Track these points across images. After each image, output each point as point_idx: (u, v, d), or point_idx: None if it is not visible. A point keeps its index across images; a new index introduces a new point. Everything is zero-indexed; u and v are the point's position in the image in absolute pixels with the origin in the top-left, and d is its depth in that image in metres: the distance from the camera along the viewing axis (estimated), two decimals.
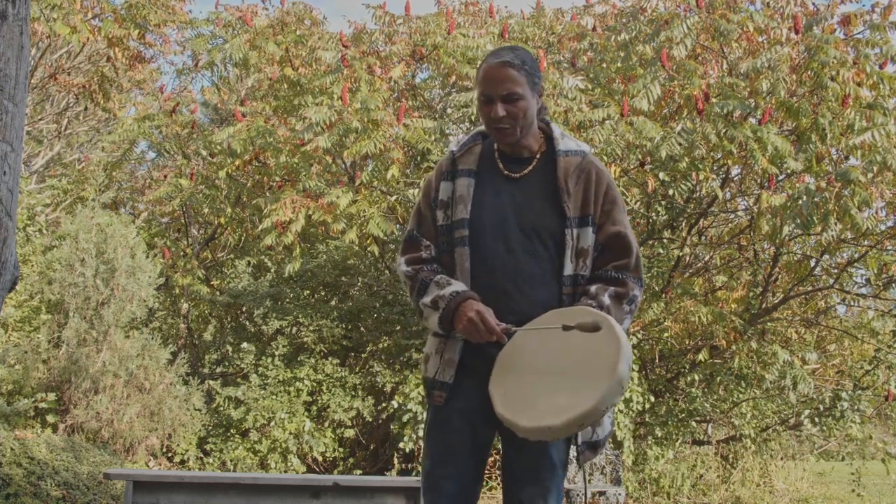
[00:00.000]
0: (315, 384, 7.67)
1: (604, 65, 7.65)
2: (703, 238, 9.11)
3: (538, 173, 2.12)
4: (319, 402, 7.62)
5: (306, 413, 7.54)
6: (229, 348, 8.33)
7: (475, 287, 2.03)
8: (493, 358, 1.99)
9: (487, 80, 2.07)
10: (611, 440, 7.21)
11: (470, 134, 2.25)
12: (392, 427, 7.38)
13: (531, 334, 1.95)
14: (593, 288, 2.03)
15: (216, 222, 10.14)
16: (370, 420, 7.72)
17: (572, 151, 2.12)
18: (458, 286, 2.02)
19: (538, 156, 2.14)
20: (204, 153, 8.90)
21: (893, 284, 7.80)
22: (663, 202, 7.71)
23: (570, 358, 1.85)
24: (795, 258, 8.17)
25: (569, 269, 2.05)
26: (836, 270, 8.05)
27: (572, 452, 2.12)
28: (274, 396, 7.45)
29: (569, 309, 2.00)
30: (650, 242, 8.34)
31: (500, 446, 2.19)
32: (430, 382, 2.10)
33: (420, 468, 2.24)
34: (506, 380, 1.93)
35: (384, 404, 7.68)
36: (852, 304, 8.86)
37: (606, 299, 2.01)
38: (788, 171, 6.66)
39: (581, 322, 1.86)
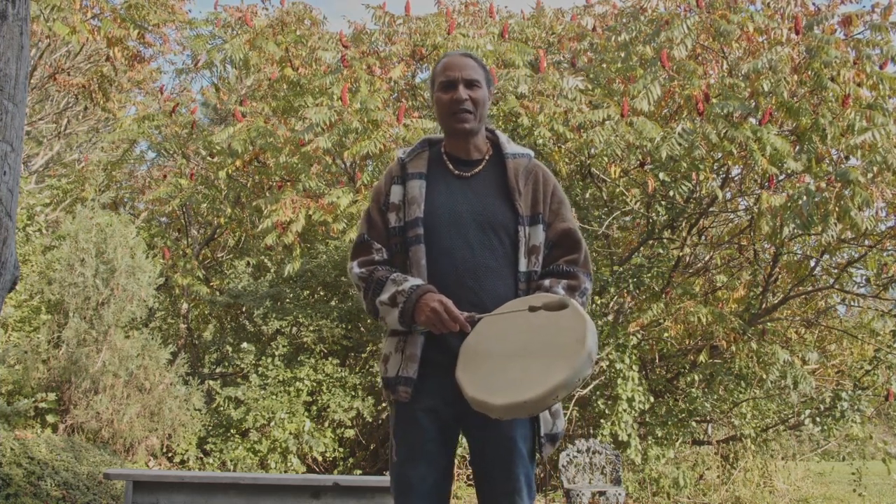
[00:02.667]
0: (315, 384, 7.67)
1: (604, 65, 7.65)
2: (703, 238, 9.10)
3: (488, 174, 2.18)
4: (319, 402, 7.61)
5: (306, 413, 7.54)
6: (229, 348, 8.32)
7: (433, 282, 2.05)
8: (456, 351, 2.01)
9: (450, 66, 2.17)
10: (612, 441, 7.21)
11: (417, 142, 2.29)
12: None
13: (494, 321, 1.98)
14: (547, 281, 2.09)
15: (216, 222, 10.14)
16: (370, 420, 7.71)
17: (519, 154, 2.21)
18: (416, 281, 2.03)
19: (486, 157, 2.22)
20: (203, 153, 8.90)
21: (893, 284, 7.79)
22: (663, 202, 7.71)
23: (537, 338, 1.89)
24: (795, 258, 8.17)
25: (523, 266, 2.11)
26: (836, 270, 8.05)
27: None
28: (274, 396, 7.44)
29: (528, 297, 2.05)
30: (650, 242, 8.34)
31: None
32: (394, 380, 2.10)
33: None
34: (473, 365, 1.94)
35: (384, 404, 7.68)
36: (852, 304, 8.85)
37: (561, 290, 2.07)
38: (788, 172, 6.66)
39: (547, 302, 1.91)
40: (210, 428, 7.56)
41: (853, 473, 8.26)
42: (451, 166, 2.19)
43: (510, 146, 2.22)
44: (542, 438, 2.08)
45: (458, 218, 2.11)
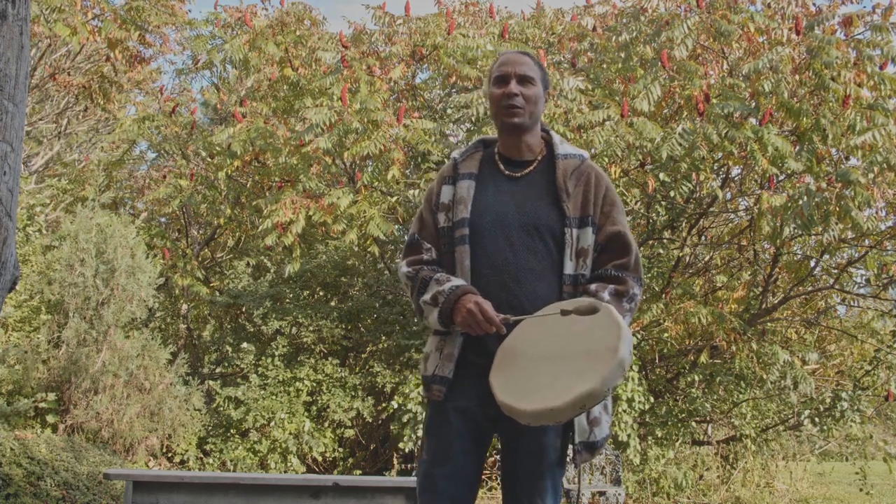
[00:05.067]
0: (315, 384, 7.67)
1: (604, 65, 7.64)
2: (703, 238, 9.10)
3: (538, 175, 2.16)
4: (319, 402, 7.61)
5: (306, 413, 7.54)
6: (229, 348, 8.32)
7: (476, 283, 2.05)
8: (494, 353, 1.98)
9: (505, 62, 2.17)
10: (612, 441, 7.21)
11: (472, 142, 2.29)
12: (392, 427, 7.38)
13: (531, 325, 1.97)
14: (593, 286, 2.06)
15: (216, 223, 10.14)
16: (370, 420, 7.71)
17: (571, 155, 2.18)
18: (457, 281, 2.04)
19: (539, 158, 2.19)
20: (203, 153, 8.89)
21: (893, 284, 7.79)
22: (663, 202, 7.70)
23: (571, 344, 1.87)
24: (795, 258, 8.17)
25: (569, 269, 2.08)
26: (836, 270, 8.05)
27: (569, 454, 2.13)
28: (274, 396, 7.44)
29: (568, 301, 2.02)
30: (650, 242, 8.34)
31: (499, 446, 2.18)
32: (430, 378, 2.11)
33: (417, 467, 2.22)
34: (506, 369, 1.93)
35: (384, 404, 7.68)
36: (852, 304, 8.85)
37: (606, 296, 2.03)
38: (789, 172, 6.66)
39: (578, 306, 1.89)
40: (210, 428, 7.56)
41: (857, 473, 8.25)
42: (502, 167, 2.18)
43: (563, 146, 2.20)
44: (578, 446, 2.04)
45: (502, 219, 2.09)
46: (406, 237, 2.28)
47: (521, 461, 2.06)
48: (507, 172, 2.17)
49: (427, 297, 2.05)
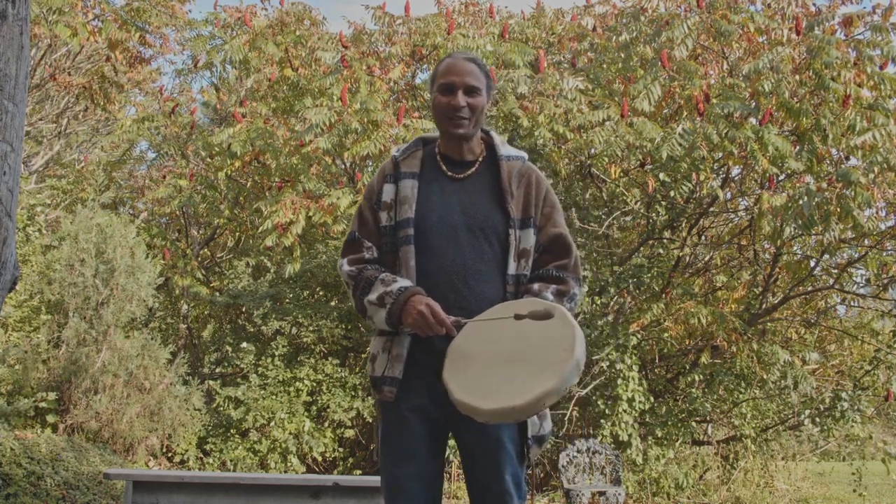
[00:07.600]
0: (315, 384, 7.67)
1: (604, 65, 7.65)
2: (703, 238, 9.10)
3: (481, 175, 2.19)
4: (319, 402, 7.61)
5: (306, 413, 7.54)
6: (229, 348, 8.32)
7: (422, 284, 2.05)
8: (442, 352, 1.99)
9: (452, 70, 2.16)
10: (613, 441, 7.21)
11: (412, 141, 2.30)
12: None
13: (481, 326, 1.99)
14: (536, 286, 2.10)
15: (215, 223, 10.14)
16: (370, 420, 7.71)
17: (513, 157, 2.21)
18: (404, 282, 2.04)
19: (480, 159, 2.22)
20: (203, 154, 8.90)
21: (893, 284, 7.79)
22: (663, 202, 7.70)
23: (525, 345, 1.90)
24: (795, 258, 8.17)
25: (512, 269, 2.11)
26: (836, 270, 8.05)
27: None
28: (274, 396, 7.44)
29: (516, 301, 2.05)
30: (650, 242, 8.33)
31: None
32: (380, 380, 2.09)
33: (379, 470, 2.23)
34: (460, 369, 1.94)
35: None
36: (852, 304, 8.85)
37: (549, 296, 2.06)
38: (789, 172, 6.66)
39: (533, 310, 1.91)
40: (210, 428, 7.56)
41: (853, 473, 8.26)
42: (444, 167, 2.19)
43: (504, 148, 2.22)
44: (530, 440, 2.08)
45: (448, 220, 2.11)
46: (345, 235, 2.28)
47: (481, 458, 2.08)
48: (449, 173, 2.18)
49: (373, 297, 2.05)
